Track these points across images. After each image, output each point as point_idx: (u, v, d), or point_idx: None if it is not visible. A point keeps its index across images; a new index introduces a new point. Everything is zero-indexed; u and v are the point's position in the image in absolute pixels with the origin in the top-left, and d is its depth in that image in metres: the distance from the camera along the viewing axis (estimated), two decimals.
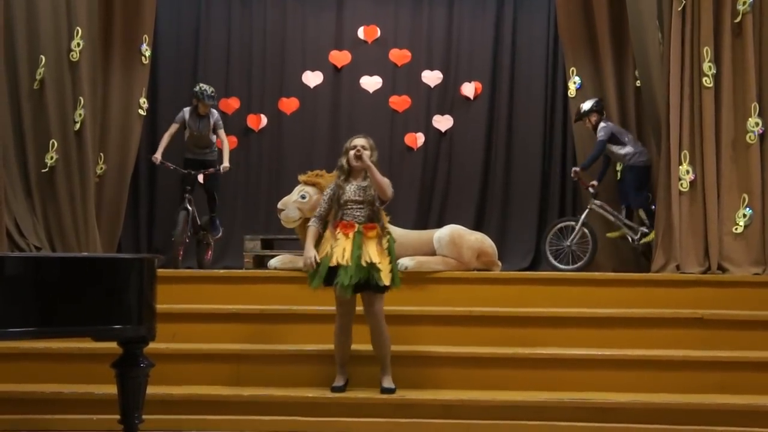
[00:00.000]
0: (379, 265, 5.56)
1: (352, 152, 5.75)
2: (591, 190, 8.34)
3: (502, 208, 10.18)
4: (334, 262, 5.55)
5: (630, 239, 8.25)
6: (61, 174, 7.52)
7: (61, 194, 7.51)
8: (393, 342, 5.83)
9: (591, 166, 8.32)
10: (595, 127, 8.34)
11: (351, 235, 5.61)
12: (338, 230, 5.65)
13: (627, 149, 8.19)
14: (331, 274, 5.57)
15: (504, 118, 10.34)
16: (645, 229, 8.15)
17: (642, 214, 8.27)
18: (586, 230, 8.27)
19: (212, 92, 8.50)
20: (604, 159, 8.41)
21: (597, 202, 8.33)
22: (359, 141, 5.80)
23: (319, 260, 5.64)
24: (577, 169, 8.39)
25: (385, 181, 5.70)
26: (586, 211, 8.32)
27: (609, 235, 8.27)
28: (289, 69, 10.42)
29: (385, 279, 5.58)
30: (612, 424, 5.59)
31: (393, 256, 5.75)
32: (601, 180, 8.41)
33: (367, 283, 5.57)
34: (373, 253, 5.58)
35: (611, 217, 8.31)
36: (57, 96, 7.53)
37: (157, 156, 8.25)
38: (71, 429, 5.52)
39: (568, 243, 8.30)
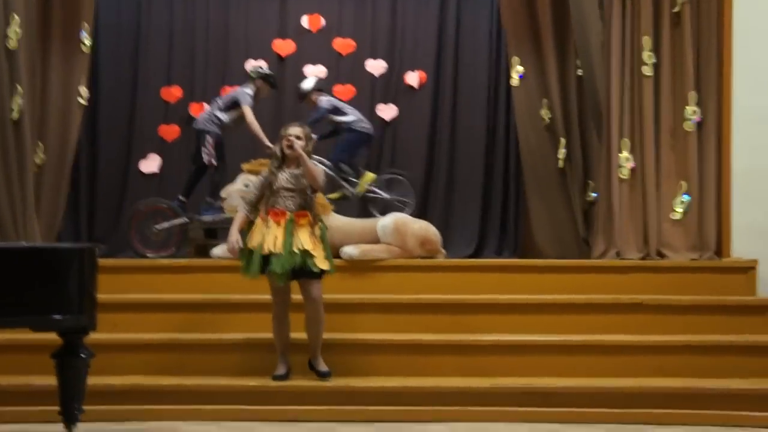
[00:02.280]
0: (312, 252, 5.58)
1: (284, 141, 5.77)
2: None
3: (446, 196, 10.21)
4: (266, 251, 5.55)
5: (350, 195, 8.71)
6: None
7: None
8: (339, 330, 5.88)
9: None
10: (315, 105, 8.84)
11: (282, 222, 5.61)
12: (269, 218, 5.65)
13: (350, 117, 8.72)
14: (265, 263, 5.57)
15: (448, 107, 10.36)
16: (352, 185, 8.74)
17: (346, 169, 8.75)
18: None
19: None
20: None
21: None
22: (293, 130, 5.83)
23: (249, 246, 5.64)
24: None
25: (318, 170, 5.75)
26: None
27: (330, 196, 8.42)
28: (232, 57, 10.31)
29: (321, 264, 5.61)
30: (555, 409, 5.69)
31: (326, 243, 5.78)
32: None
33: (301, 270, 5.57)
34: (305, 240, 5.61)
35: (339, 180, 8.74)
36: None
37: (271, 145, 8.19)
38: (10, 421, 5.44)
39: None
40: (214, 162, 8.32)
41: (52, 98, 8.21)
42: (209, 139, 8.34)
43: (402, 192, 8.91)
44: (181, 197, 8.48)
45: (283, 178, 5.73)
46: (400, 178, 9.01)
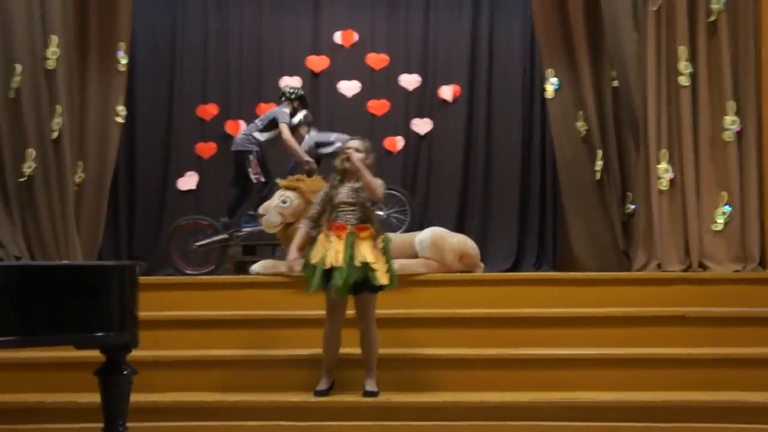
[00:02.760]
0: (374, 265, 5.55)
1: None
2: None
3: (483, 209, 10.21)
4: (328, 265, 5.54)
5: None
6: (39, 183, 7.45)
7: (39, 203, 7.44)
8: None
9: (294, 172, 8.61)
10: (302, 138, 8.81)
11: (343, 236, 5.60)
12: (331, 232, 5.65)
13: (337, 145, 8.44)
14: (327, 278, 5.56)
15: (482, 120, 10.37)
16: None
17: None
18: None
19: None
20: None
21: None
22: (353, 143, 5.83)
23: (312, 262, 5.63)
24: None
25: (376, 183, 5.69)
26: None
27: None
28: (266, 74, 10.41)
29: (382, 279, 5.57)
30: (597, 423, 5.60)
31: (389, 255, 5.75)
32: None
33: (362, 283, 5.56)
34: (366, 253, 5.56)
35: None
36: (34, 105, 7.45)
37: (310, 159, 8.46)
38: None
39: None
40: (262, 179, 8.39)
41: (91, 117, 8.31)
42: (251, 158, 8.42)
43: (398, 208, 8.89)
44: (224, 219, 8.56)
45: (344, 192, 5.73)
46: (395, 193, 8.96)
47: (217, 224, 8.53)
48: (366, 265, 5.54)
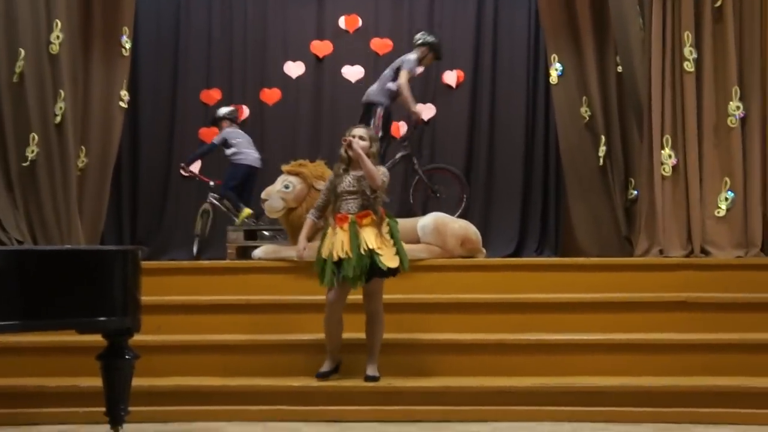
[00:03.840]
0: (378, 251, 5.57)
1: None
2: (211, 183, 9.09)
3: (486, 195, 10.18)
4: (336, 257, 5.56)
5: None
6: (42, 167, 7.45)
7: (42, 188, 7.44)
8: None
9: (194, 161, 9.25)
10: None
11: (346, 226, 5.62)
12: (336, 224, 5.68)
13: (231, 150, 8.98)
14: (338, 269, 5.59)
15: (486, 105, 10.33)
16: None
17: (227, 203, 8.96)
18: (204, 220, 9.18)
19: None
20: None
21: (215, 195, 9.08)
22: (356, 131, 5.84)
23: (323, 256, 5.66)
24: (183, 164, 9.24)
25: (377, 170, 5.69)
26: (205, 204, 9.12)
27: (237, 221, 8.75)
28: (270, 59, 10.38)
29: (388, 262, 5.59)
30: (598, 408, 5.63)
31: (397, 240, 5.76)
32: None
33: (371, 270, 5.58)
34: (369, 239, 5.59)
35: (224, 209, 8.95)
36: (37, 89, 7.45)
37: (417, 111, 8.51)
38: (56, 422, 5.51)
39: (197, 232, 9.12)
40: (380, 133, 8.29)
41: (94, 102, 8.31)
42: (379, 111, 8.35)
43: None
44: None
45: (347, 181, 5.75)
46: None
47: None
48: (371, 251, 5.57)
